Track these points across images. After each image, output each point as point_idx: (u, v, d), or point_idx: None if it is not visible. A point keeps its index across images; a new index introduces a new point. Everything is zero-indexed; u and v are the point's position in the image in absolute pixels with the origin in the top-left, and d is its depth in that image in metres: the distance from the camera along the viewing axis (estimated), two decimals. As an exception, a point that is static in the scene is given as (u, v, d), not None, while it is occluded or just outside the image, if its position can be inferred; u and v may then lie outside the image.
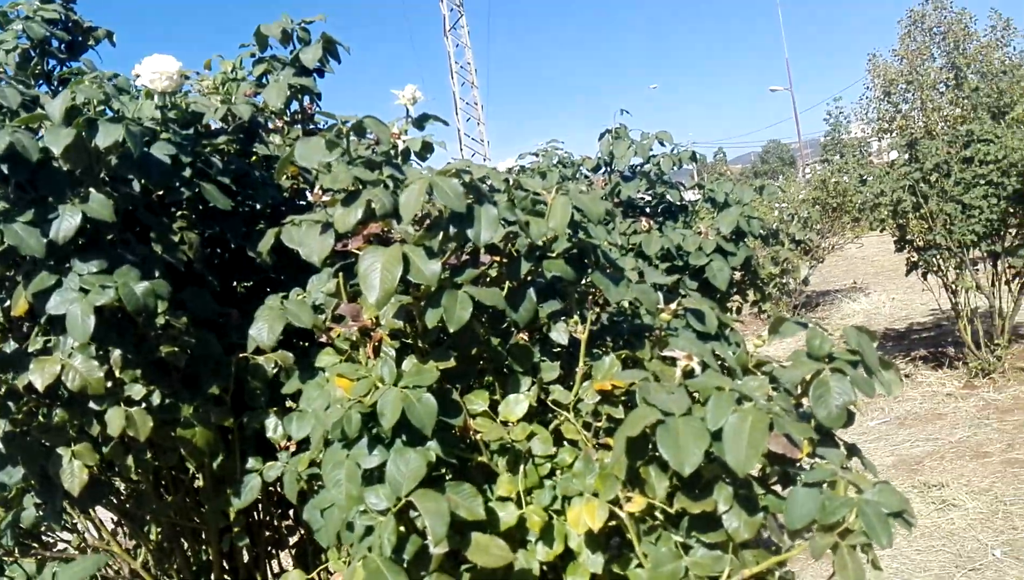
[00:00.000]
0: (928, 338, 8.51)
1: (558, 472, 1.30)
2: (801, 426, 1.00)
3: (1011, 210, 6.50)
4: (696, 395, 1.10)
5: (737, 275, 2.83)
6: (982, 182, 6.32)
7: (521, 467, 1.28)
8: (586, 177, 3.22)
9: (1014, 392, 6.25)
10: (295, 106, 2.50)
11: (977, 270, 6.79)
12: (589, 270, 1.33)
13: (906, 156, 6.76)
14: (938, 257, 6.75)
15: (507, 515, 1.26)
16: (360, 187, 1.33)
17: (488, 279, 1.34)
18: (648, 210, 3.14)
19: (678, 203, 3.11)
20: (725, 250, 2.64)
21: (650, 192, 3.17)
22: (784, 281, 2.97)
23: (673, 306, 1.47)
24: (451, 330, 1.16)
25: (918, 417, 6.21)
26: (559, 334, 1.36)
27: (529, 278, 1.36)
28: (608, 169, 3.17)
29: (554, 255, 1.32)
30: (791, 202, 10.06)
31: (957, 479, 4.98)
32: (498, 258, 1.33)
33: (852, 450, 1.42)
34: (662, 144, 3.25)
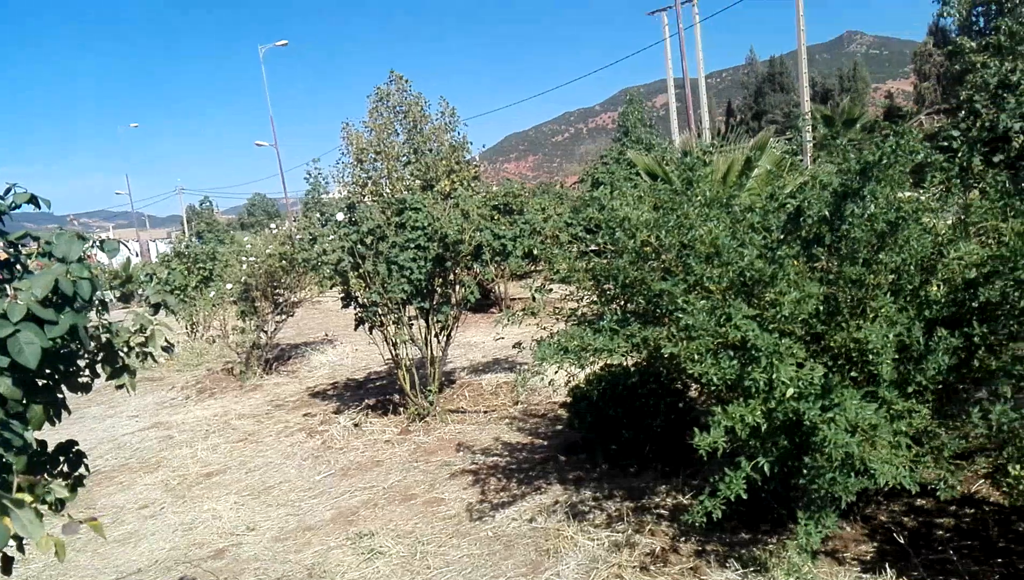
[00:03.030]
0: (380, 386, 9.16)
1: None
2: None
3: (436, 271, 7.35)
4: None
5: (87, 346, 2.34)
6: (412, 246, 7.00)
7: None
8: None
9: (439, 434, 6.99)
10: None
11: (412, 325, 7.49)
12: None
13: (348, 218, 7.15)
14: (379, 313, 7.25)
15: None
16: None
17: None
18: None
19: None
20: (42, 318, 2.16)
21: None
22: (148, 349, 2.60)
23: None
24: None
25: (360, 466, 6.48)
26: None
27: None
28: None
29: None
30: (259, 256, 9.96)
31: (386, 525, 5.23)
32: None
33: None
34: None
